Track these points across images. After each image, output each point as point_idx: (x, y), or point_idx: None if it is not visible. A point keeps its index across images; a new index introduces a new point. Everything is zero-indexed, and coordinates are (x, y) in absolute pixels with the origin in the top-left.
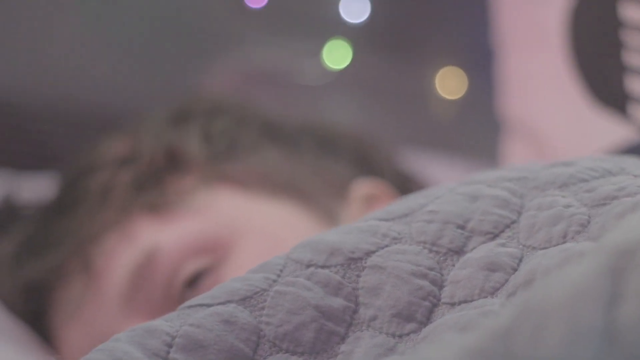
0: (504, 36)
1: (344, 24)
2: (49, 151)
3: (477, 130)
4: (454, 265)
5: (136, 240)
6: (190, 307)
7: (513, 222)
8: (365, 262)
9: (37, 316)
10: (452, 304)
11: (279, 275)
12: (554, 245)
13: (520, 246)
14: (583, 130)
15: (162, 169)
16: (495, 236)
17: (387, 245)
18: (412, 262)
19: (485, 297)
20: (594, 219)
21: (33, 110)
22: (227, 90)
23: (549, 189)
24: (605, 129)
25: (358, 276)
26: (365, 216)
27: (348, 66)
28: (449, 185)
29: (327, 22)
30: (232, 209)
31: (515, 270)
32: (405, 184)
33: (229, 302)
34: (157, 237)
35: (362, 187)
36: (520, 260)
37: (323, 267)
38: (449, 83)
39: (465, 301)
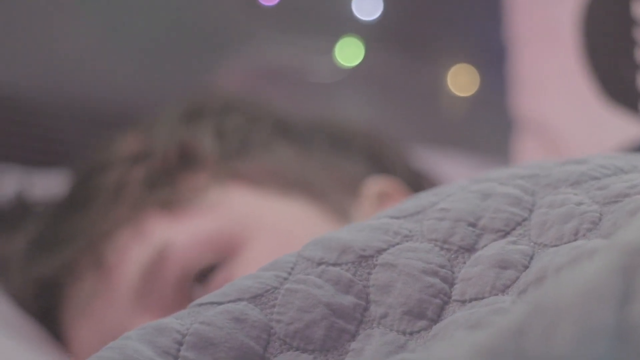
0: (517, 33)
1: (356, 21)
2: (61, 148)
3: (489, 127)
4: (465, 263)
5: (148, 237)
6: (200, 305)
7: (524, 219)
8: (377, 260)
9: (48, 313)
10: (463, 302)
11: (290, 273)
12: (566, 243)
13: (532, 244)
14: (595, 128)
15: (174, 166)
16: (506, 234)
17: (398, 243)
18: (423, 260)
19: (496, 294)
20: (605, 217)
21: (45, 107)
22: (239, 87)
23: (561, 187)
24: (617, 127)
25: (369, 274)
26: (377, 214)
27: (360, 64)
28: (461, 183)
29: (340, 20)
30: (244, 206)
31: (526, 267)
32: (417, 182)
33: (240, 300)
34: (169, 234)
35: (375, 185)
36: (532, 258)
37: (334, 264)
38: (461, 80)
39: (476, 299)
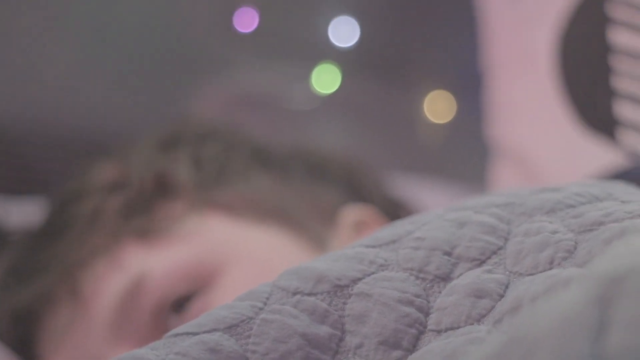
0: (493, 61)
1: (333, 48)
2: (38, 175)
3: (465, 154)
4: (440, 292)
5: (125, 266)
6: (176, 335)
7: (500, 248)
8: (352, 290)
9: (25, 343)
10: (439, 331)
11: (265, 303)
12: (541, 272)
13: (507, 272)
14: (571, 155)
15: (151, 195)
16: (482, 262)
17: (373, 273)
18: (398, 289)
19: (472, 324)
20: (580, 245)
21: (21, 135)
22: (216, 114)
23: (536, 215)
24: (593, 154)
25: (344, 304)
26: (353, 243)
27: (337, 90)
28: (437, 212)
29: (316, 47)
30: (221, 235)
31: (501, 296)
32: (394, 210)
33: (215, 330)
34: (145, 263)
35: (352, 213)
36: (507, 287)
37: (309, 294)
38: (438, 107)
39: (452, 328)
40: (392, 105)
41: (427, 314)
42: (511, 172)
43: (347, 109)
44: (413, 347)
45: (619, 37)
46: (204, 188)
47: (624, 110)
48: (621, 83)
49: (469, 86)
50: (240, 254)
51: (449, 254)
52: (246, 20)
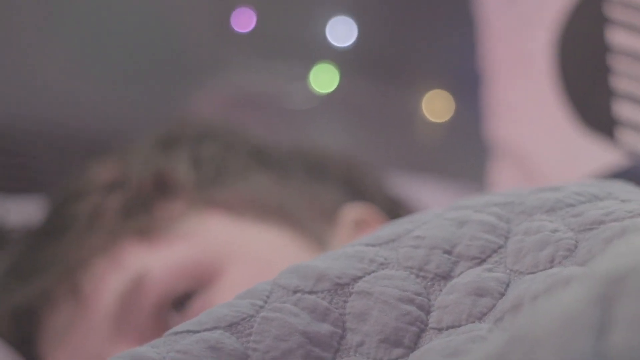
0: (491, 60)
1: (330, 47)
2: (37, 174)
3: (464, 153)
4: (441, 291)
5: (125, 266)
6: (177, 333)
7: (500, 246)
8: (352, 288)
9: (26, 342)
10: (440, 329)
11: (265, 302)
12: (541, 270)
13: (508, 271)
14: (570, 154)
15: (150, 195)
16: (482, 261)
17: (374, 271)
18: (399, 288)
19: (473, 322)
20: (581, 244)
21: (20, 134)
22: (214, 114)
23: (536, 214)
24: (592, 154)
25: (345, 302)
26: (353, 242)
27: (335, 90)
28: (436, 211)
29: (314, 46)
30: (220, 234)
31: (502, 295)
32: (393, 208)
33: (216, 328)
34: (145, 262)
35: (351, 212)
36: (508, 285)
37: (310, 292)
38: (436, 106)
39: (453, 326)
40: (391, 104)
41: (428, 312)
42: (510, 171)
43: (345, 109)
44: (414, 345)
45: (617, 37)
46: (203, 187)
47: (622, 109)
48: (619, 83)
49: (467, 85)
50: (240, 252)
51: (449, 252)
52: (244, 21)
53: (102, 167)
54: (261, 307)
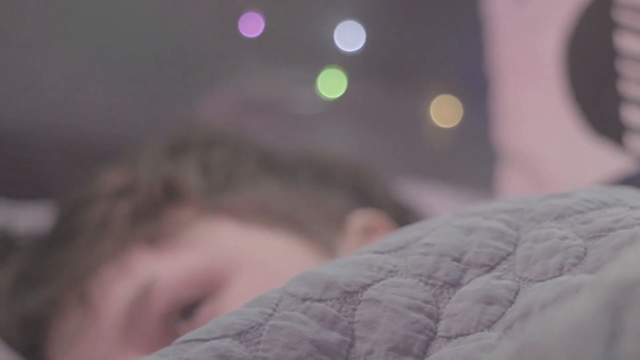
0: (500, 65)
1: (338, 52)
2: (45, 181)
3: (472, 159)
4: (450, 298)
5: (134, 273)
6: (185, 341)
7: (509, 254)
8: (361, 296)
9: (34, 349)
10: (449, 338)
11: (274, 309)
12: (551, 278)
13: (517, 278)
14: (579, 160)
15: (159, 201)
16: (491, 268)
17: (382, 279)
18: (408, 295)
19: (482, 330)
20: (590, 251)
21: (29, 140)
22: (222, 119)
23: (545, 221)
24: (601, 160)
25: (354, 310)
26: (361, 249)
27: (343, 95)
28: (445, 218)
29: (322, 51)
30: (230, 241)
31: (511, 303)
32: (402, 215)
33: (225, 336)
34: (155, 269)
35: (360, 219)
36: (517, 293)
37: (319, 300)
38: (444, 111)
39: (462, 334)
40: (398, 109)
41: (437, 320)
42: (518, 177)
43: (353, 114)
44: (423, 354)
45: (625, 42)
46: (212, 194)
47: (631, 115)
48: (628, 88)
49: (475, 90)
50: (248, 259)
51: (458, 260)
52: (252, 26)
53: (111, 174)
54: (270, 315)
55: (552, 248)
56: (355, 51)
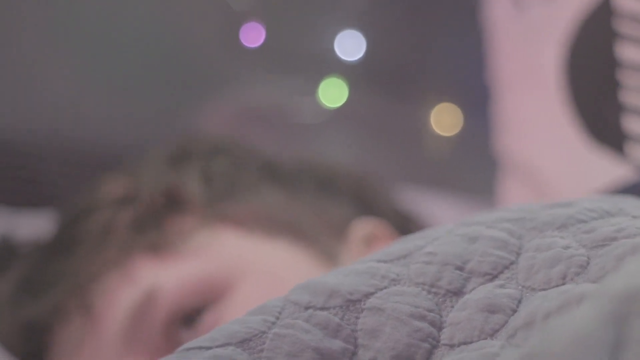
0: (500, 74)
1: (339, 62)
2: (47, 189)
3: (473, 167)
4: (453, 307)
5: (136, 281)
6: (188, 349)
7: (512, 263)
8: (364, 304)
9: (36, 357)
10: (452, 346)
11: (277, 318)
12: (553, 287)
13: (520, 287)
14: (580, 169)
15: (162, 210)
16: (494, 277)
17: (385, 287)
18: (410, 304)
19: (485, 338)
20: (593, 260)
21: (30, 148)
22: (223, 129)
23: (548, 230)
24: (602, 168)
25: (357, 318)
26: (364, 258)
27: (344, 104)
28: (447, 227)
29: (323, 61)
30: (232, 250)
31: (514, 311)
32: (404, 224)
33: (228, 344)
34: (157, 278)
35: (362, 228)
36: (520, 302)
37: (322, 309)
38: (445, 120)
39: (465, 343)
40: (399, 118)
41: (439, 329)
42: (519, 185)
43: (354, 123)
44: None
45: (626, 52)
46: (214, 203)
47: (632, 124)
48: (629, 97)
49: (476, 99)
50: (251, 268)
51: (460, 268)
52: (253, 35)
53: (113, 182)
54: (273, 323)
55: (554, 257)
56: (356, 60)
